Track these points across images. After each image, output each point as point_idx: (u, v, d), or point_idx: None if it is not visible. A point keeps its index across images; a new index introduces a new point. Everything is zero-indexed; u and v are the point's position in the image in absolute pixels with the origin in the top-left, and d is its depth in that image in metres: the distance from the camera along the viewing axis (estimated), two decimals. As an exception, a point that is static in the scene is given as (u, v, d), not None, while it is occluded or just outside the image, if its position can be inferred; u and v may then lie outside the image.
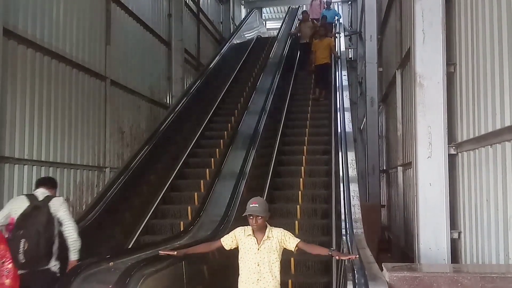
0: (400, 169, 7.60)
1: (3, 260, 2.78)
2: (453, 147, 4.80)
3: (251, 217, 3.58)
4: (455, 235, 4.69)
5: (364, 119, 13.30)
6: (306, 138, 9.31)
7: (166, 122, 9.00)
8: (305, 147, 8.98)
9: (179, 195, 7.96)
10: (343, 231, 5.15)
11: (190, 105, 9.94)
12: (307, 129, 9.70)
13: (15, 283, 2.72)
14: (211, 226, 5.89)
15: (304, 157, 8.60)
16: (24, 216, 4.14)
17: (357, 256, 3.49)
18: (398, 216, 7.97)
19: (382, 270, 3.20)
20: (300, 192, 7.78)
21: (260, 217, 3.58)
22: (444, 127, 4.73)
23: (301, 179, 8.06)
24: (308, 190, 7.91)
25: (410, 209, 6.30)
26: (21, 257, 3.90)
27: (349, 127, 7.77)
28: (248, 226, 3.66)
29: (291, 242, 3.64)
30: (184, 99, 9.96)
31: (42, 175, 6.20)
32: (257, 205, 3.62)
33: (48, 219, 4.20)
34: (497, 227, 3.82)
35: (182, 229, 6.67)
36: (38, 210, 4.21)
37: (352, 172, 6.29)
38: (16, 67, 5.85)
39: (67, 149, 6.84)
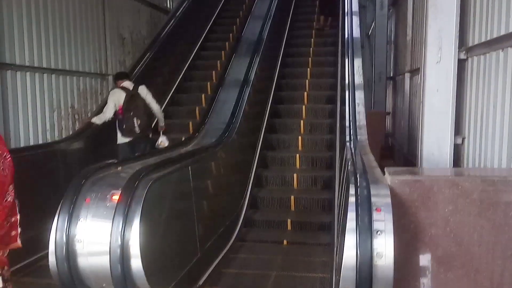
0: (407, 75, 7.47)
1: (4, 154, 2.87)
2: (463, 52, 4.66)
3: None
4: (459, 141, 4.71)
5: (373, 24, 12.83)
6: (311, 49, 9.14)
7: (168, 27, 8.76)
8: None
9: (186, 97, 8.07)
10: (347, 138, 5.18)
11: (191, 8, 9.60)
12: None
13: (12, 174, 2.86)
14: (215, 133, 5.95)
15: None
16: (128, 102, 5.82)
17: None
18: (402, 123, 8.00)
19: (384, 174, 3.26)
20: (304, 106, 7.80)
21: None
22: (456, 31, 4.54)
23: (305, 93, 8.04)
24: (312, 104, 7.93)
25: (415, 115, 6.29)
26: (137, 129, 5.85)
27: (356, 33, 7.51)
28: None
29: None
30: (185, 3, 9.60)
31: (45, 82, 6.17)
32: None
33: (143, 101, 5.94)
34: (502, 132, 3.81)
35: (191, 129, 6.84)
36: (134, 96, 5.88)
37: (359, 79, 6.19)
38: (8, -32, 5.56)
39: (67, 56, 6.71)
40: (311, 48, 9.38)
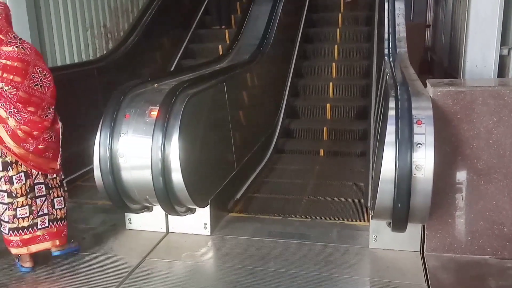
0: (451, -18, 6.99)
1: (44, 73, 2.91)
2: (516, -47, 4.29)
3: None
4: (505, 52, 4.47)
5: None
6: None
7: None
8: None
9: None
10: (386, 51, 4.99)
11: None
12: None
13: (52, 93, 2.91)
14: (249, 49, 5.83)
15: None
16: None
17: None
18: (444, 35, 7.61)
19: (425, 87, 3.16)
20: (340, 14, 7.48)
21: None
22: None
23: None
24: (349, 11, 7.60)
25: (458, 26, 5.95)
26: None
27: None
28: None
29: None
30: None
31: (76, 1, 6.10)
32: None
33: None
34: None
35: (220, 52, 6.72)
36: None
37: (399, -13, 5.83)
38: None
39: (96, -29, 6.56)
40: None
